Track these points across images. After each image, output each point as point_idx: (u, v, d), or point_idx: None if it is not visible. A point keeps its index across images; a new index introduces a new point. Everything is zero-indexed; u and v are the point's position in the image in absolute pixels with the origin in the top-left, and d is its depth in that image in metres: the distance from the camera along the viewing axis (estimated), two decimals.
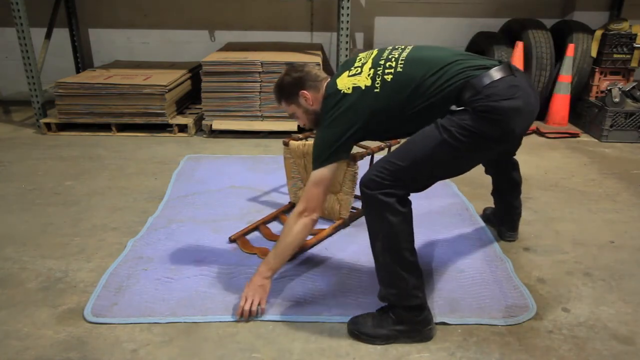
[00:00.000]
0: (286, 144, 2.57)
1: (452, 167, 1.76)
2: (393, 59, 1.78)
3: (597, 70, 4.28)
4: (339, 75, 1.84)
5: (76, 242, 2.40)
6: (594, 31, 4.32)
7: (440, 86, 1.69)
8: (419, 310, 1.73)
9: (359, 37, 5.00)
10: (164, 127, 4.09)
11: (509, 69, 1.71)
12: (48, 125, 4.04)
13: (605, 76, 4.30)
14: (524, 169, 2.40)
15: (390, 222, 1.66)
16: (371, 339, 1.74)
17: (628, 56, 4.20)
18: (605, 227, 2.60)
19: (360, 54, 1.90)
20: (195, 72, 4.44)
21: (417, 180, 1.72)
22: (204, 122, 4.01)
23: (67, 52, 4.92)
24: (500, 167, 2.30)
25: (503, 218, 2.45)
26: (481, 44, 4.57)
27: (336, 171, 1.83)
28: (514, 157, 2.27)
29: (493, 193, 2.43)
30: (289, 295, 1.97)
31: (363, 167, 2.53)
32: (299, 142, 2.55)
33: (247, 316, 1.82)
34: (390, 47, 1.87)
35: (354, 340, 1.75)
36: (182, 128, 4.07)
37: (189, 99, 4.53)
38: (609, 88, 4.13)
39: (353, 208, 2.61)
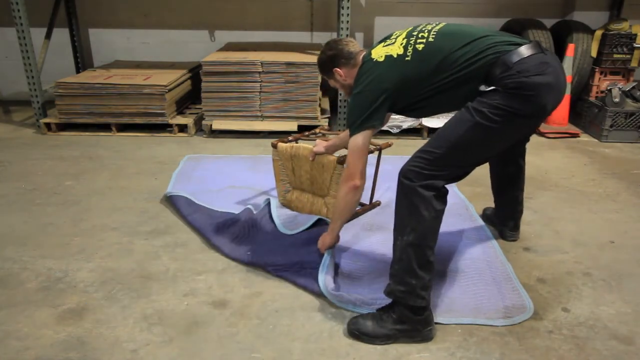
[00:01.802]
0: (274, 146, 2.57)
1: (487, 148, 1.78)
2: (426, 31, 1.84)
3: (597, 70, 4.28)
4: (375, 46, 1.93)
5: (76, 242, 2.40)
6: (594, 31, 4.32)
7: (469, 59, 1.72)
8: (422, 311, 1.73)
9: (359, 37, 4.99)
10: (164, 127, 4.09)
11: (539, 47, 1.73)
12: (48, 125, 4.04)
13: (605, 76, 4.30)
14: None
15: (423, 217, 1.68)
16: (371, 339, 1.74)
17: (628, 56, 4.20)
18: (605, 227, 2.60)
19: (396, 30, 1.97)
20: (195, 72, 4.44)
21: (455, 166, 1.74)
22: (204, 122, 4.01)
23: (67, 52, 4.92)
24: (508, 153, 2.25)
25: (505, 215, 2.42)
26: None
27: (370, 138, 1.87)
28: (527, 141, 2.28)
29: (495, 188, 2.39)
30: None
31: None
32: (287, 144, 2.55)
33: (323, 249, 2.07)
34: (425, 23, 1.93)
35: (354, 340, 1.75)
36: (182, 128, 4.07)
37: (189, 99, 4.53)
38: (609, 88, 4.13)
39: None
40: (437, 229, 1.73)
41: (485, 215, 2.62)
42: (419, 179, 1.69)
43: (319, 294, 1.97)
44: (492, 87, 1.68)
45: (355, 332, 1.76)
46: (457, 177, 1.79)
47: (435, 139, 1.75)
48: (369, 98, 1.81)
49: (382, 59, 1.83)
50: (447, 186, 1.75)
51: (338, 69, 2.01)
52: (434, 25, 1.87)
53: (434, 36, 1.80)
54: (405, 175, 1.71)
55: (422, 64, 1.78)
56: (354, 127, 1.84)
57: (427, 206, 1.68)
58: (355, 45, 2.03)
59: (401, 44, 1.84)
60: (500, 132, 1.70)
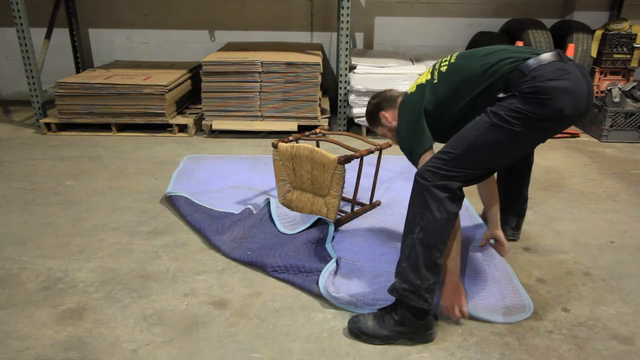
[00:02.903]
0: (275, 146, 2.57)
1: (503, 151, 1.76)
2: (449, 56, 1.96)
3: (597, 70, 4.28)
4: (412, 84, 2.03)
5: (76, 242, 2.40)
6: (594, 31, 4.32)
7: (489, 69, 1.77)
8: (424, 315, 1.73)
9: (359, 37, 5.00)
10: (164, 127, 4.10)
11: (559, 55, 1.75)
12: (48, 125, 4.04)
13: (605, 76, 4.31)
14: None
15: (435, 217, 1.68)
16: (371, 338, 1.74)
17: (628, 56, 4.20)
18: (605, 227, 2.60)
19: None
20: (195, 72, 4.45)
21: (471, 168, 1.73)
22: (204, 122, 4.01)
23: (67, 52, 4.92)
24: None
25: (508, 212, 2.40)
26: (481, 44, 4.57)
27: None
28: None
29: (501, 183, 2.37)
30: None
31: (351, 171, 2.52)
32: (288, 144, 2.55)
33: (457, 317, 1.83)
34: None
35: (354, 340, 1.75)
36: (182, 128, 4.07)
37: (189, 99, 4.53)
38: (609, 88, 4.13)
39: (341, 211, 2.61)
40: (448, 232, 1.73)
41: (486, 215, 2.61)
42: (434, 179, 1.70)
43: (318, 295, 1.97)
44: (509, 94, 1.71)
45: (356, 331, 1.76)
46: (472, 180, 1.79)
47: (453, 140, 1.77)
48: (413, 125, 1.90)
49: (414, 89, 1.96)
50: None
51: (384, 112, 2.12)
52: (457, 52, 1.98)
53: (455, 58, 1.92)
54: (421, 175, 1.72)
55: (449, 80, 1.86)
56: (414, 159, 1.89)
57: (439, 207, 1.68)
58: (395, 91, 2.18)
59: (429, 71, 1.97)
60: (517, 135, 1.70)
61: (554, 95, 1.65)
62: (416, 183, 1.73)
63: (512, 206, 2.41)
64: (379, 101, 2.15)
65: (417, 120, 1.88)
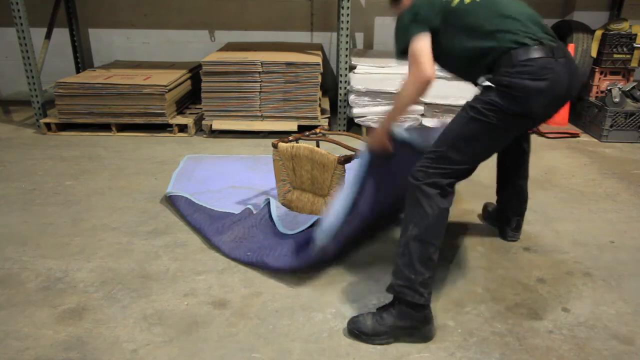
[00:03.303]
0: (275, 146, 2.57)
1: (484, 143, 1.84)
2: None
3: (597, 70, 4.28)
4: None
5: (76, 242, 2.40)
6: (594, 31, 4.31)
7: (494, 33, 1.78)
8: (421, 309, 1.76)
9: (359, 37, 4.99)
10: (164, 127, 4.09)
11: (552, 51, 1.76)
12: (48, 125, 4.04)
13: (605, 76, 4.30)
14: None
15: (427, 214, 1.75)
16: (370, 337, 1.76)
17: (628, 56, 4.20)
18: (605, 227, 2.60)
19: None
20: (195, 72, 4.44)
21: (457, 163, 1.80)
22: (204, 122, 4.01)
23: (67, 52, 4.92)
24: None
25: (510, 210, 2.40)
26: None
27: (428, 41, 1.83)
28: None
29: (501, 176, 2.38)
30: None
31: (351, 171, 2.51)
32: (288, 144, 2.55)
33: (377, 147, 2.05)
34: None
35: (354, 340, 1.75)
36: (182, 128, 4.07)
37: (189, 99, 4.52)
38: (609, 88, 4.12)
39: None
40: (441, 227, 1.79)
41: (487, 213, 2.61)
42: (424, 178, 1.77)
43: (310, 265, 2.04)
44: (487, 84, 1.76)
45: (355, 332, 1.78)
46: (461, 175, 1.84)
47: (437, 139, 1.84)
48: (416, 8, 1.85)
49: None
50: None
51: None
52: None
53: None
54: (413, 175, 1.80)
55: (464, 14, 1.84)
56: (408, 35, 1.83)
57: (430, 203, 1.75)
58: None
59: None
60: (493, 128, 1.77)
61: (529, 94, 1.72)
62: (409, 184, 1.80)
63: (512, 205, 2.41)
64: None
65: (428, 7, 1.84)
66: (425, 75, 1.79)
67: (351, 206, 2.08)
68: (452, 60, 1.93)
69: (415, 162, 1.85)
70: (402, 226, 1.81)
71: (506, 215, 2.43)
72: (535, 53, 1.74)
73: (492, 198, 2.88)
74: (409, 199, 1.81)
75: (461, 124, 1.81)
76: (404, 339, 1.76)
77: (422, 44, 1.81)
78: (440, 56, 1.89)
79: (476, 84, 1.86)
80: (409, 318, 1.75)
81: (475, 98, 1.80)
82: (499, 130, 1.80)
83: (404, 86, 1.87)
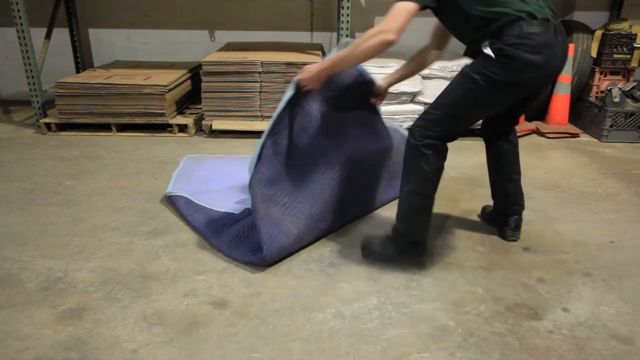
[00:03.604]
0: None
1: (478, 109, 2.04)
2: None
3: (597, 70, 4.28)
4: None
5: (76, 242, 2.40)
6: (594, 31, 4.31)
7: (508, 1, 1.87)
8: (420, 244, 2.16)
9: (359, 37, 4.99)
10: (164, 127, 4.09)
11: (553, 30, 1.89)
12: (48, 125, 4.04)
13: (605, 76, 4.30)
14: (524, 169, 2.41)
15: (424, 170, 2.02)
16: (373, 253, 2.22)
17: (628, 56, 4.20)
18: (605, 227, 2.60)
19: None
20: (195, 72, 4.44)
21: (451, 125, 2.02)
22: (204, 122, 4.01)
23: (67, 52, 4.92)
24: (497, 133, 2.34)
25: (507, 209, 2.41)
26: None
27: (414, 13, 1.91)
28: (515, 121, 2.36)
29: (493, 175, 2.41)
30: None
31: None
32: None
33: (301, 85, 2.19)
34: None
35: (354, 340, 1.75)
36: (182, 128, 4.07)
37: (189, 99, 4.52)
38: (609, 88, 4.12)
39: None
40: (437, 181, 2.08)
41: (485, 214, 2.62)
42: (422, 138, 2.00)
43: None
44: (488, 51, 1.88)
45: (365, 251, 2.24)
46: (455, 136, 2.06)
47: (435, 102, 2.04)
48: None
49: None
50: None
51: None
52: None
53: None
54: (412, 134, 2.03)
55: None
56: None
57: (427, 161, 2.01)
58: None
59: None
60: (488, 97, 1.95)
61: (526, 67, 1.86)
62: (408, 142, 2.04)
63: (507, 206, 2.41)
64: None
65: None
66: (391, 37, 1.87)
67: (267, 141, 2.26)
68: (464, 22, 1.99)
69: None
70: (402, 178, 2.10)
71: (503, 216, 2.44)
72: (540, 28, 1.85)
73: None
74: (407, 156, 2.06)
75: (458, 91, 1.98)
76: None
77: (409, 6, 1.89)
78: (452, 18, 2.05)
79: (476, 48, 1.95)
80: (408, 250, 2.16)
81: (474, 67, 1.93)
82: (493, 99, 1.97)
83: (366, 37, 1.92)
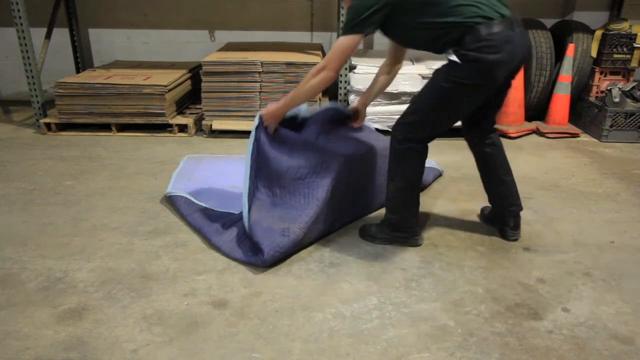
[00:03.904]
0: None
1: (452, 111, 2.14)
2: None
3: (597, 70, 4.28)
4: None
5: (76, 242, 2.40)
6: (594, 31, 4.31)
7: (457, 7, 1.94)
8: (412, 230, 2.32)
9: None
10: (164, 127, 4.09)
11: (511, 24, 1.97)
12: (48, 125, 4.04)
13: (605, 76, 4.30)
14: (524, 169, 2.41)
15: (407, 169, 2.20)
16: (373, 238, 2.37)
17: (628, 56, 4.20)
18: (605, 227, 2.60)
19: None
20: (195, 72, 4.44)
21: (429, 127, 2.16)
22: (204, 122, 4.01)
23: (67, 52, 4.92)
24: (480, 136, 2.36)
25: (504, 209, 2.41)
26: None
27: (357, 44, 2.08)
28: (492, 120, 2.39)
29: (485, 179, 2.44)
30: None
31: None
32: None
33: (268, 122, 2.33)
34: None
35: (354, 340, 1.75)
36: (182, 128, 4.07)
37: (189, 99, 4.52)
38: (609, 88, 4.12)
39: None
40: (421, 175, 2.25)
41: (484, 216, 2.62)
42: (404, 142, 2.15)
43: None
44: (454, 59, 1.96)
45: (363, 233, 2.40)
46: (435, 136, 2.20)
47: (412, 106, 2.18)
48: (367, 3, 1.98)
49: None
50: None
51: None
52: None
53: None
54: (394, 136, 2.18)
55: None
56: (348, 28, 2.04)
57: (410, 162, 2.19)
58: None
59: None
60: (460, 99, 2.06)
61: (492, 66, 1.95)
62: (391, 145, 2.19)
63: (504, 206, 2.42)
64: None
65: (376, 4, 1.98)
66: (331, 75, 2.09)
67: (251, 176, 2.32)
68: (418, 35, 2.07)
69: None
70: (388, 175, 2.25)
71: (501, 216, 2.45)
72: (498, 27, 1.92)
73: None
74: (392, 157, 2.21)
75: (432, 98, 2.09)
76: (397, 244, 2.33)
77: (350, 42, 2.04)
78: (406, 34, 2.12)
79: (441, 53, 2.07)
80: (403, 235, 2.33)
81: (443, 74, 2.03)
82: (467, 100, 2.08)
83: (309, 76, 2.12)
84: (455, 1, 1.94)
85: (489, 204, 2.55)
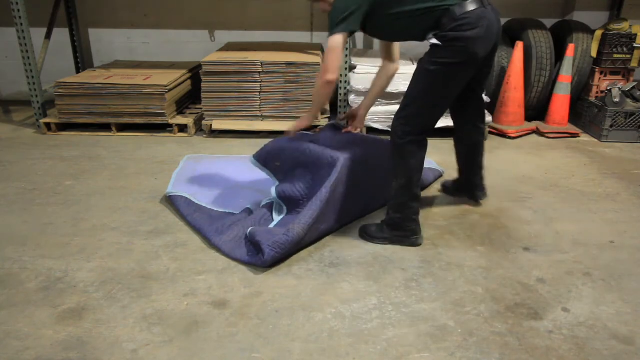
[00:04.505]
0: None
1: (443, 94, 2.22)
2: None
3: (597, 70, 4.28)
4: None
5: (76, 242, 2.40)
6: (594, 31, 4.31)
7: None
8: (412, 229, 2.34)
9: (359, 37, 4.99)
10: (164, 127, 4.09)
11: (481, 2, 2.11)
12: (48, 125, 4.04)
13: (605, 76, 4.30)
14: (524, 169, 2.41)
15: (410, 164, 2.24)
16: (372, 238, 2.38)
17: (628, 56, 4.20)
18: (605, 227, 2.60)
19: None
20: (195, 72, 4.44)
21: (424, 116, 2.24)
22: (204, 122, 4.01)
23: (67, 52, 4.92)
24: (468, 122, 2.59)
25: (474, 181, 2.72)
26: None
27: (346, 41, 2.20)
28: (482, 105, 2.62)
29: (463, 158, 2.70)
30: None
31: None
32: None
33: (294, 131, 2.52)
34: None
35: (354, 340, 1.75)
36: (182, 128, 4.07)
37: (189, 99, 4.52)
38: (609, 88, 4.12)
39: None
40: (421, 170, 2.31)
41: (448, 188, 2.90)
42: (404, 135, 2.21)
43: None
44: (434, 42, 2.10)
45: (363, 233, 2.41)
46: (430, 125, 2.29)
47: (405, 99, 2.25)
48: (348, 3, 2.13)
49: None
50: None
51: None
52: None
53: None
54: (394, 132, 2.24)
55: None
56: (334, 28, 2.15)
57: (412, 156, 2.24)
58: None
59: None
60: (447, 79, 2.16)
61: (470, 43, 2.08)
62: (392, 141, 2.25)
63: (475, 177, 2.72)
64: None
65: (356, 2, 2.12)
66: (333, 77, 2.21)
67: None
68: (397, 26, 2.20)
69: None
70: (391, 172, 2.30)
71: (472, 182, 2.74)
72: (471, 6, 2.07)
73: (492, 196, 2.89)
74: (394, 156, 2.26)
75: (422, 84, 2.19)
76: (397, 244, 2.34)
77: (339, 41, 2.15)
78: (385, 26, 2.22)
79: (423, 40, 2.20)
80: (402, 235, 2.34)
81: (428, 59, 2.15)
82: (453, 79, 2.17)
83: (316, 84, 2.37)
84: None
85: (445, 180, 2.89)
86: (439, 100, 2.24)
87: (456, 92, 2.27)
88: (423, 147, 2.27)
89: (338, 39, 2.15)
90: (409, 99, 2.24)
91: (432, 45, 2.13)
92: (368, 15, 2.17)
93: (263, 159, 2.55)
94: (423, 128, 2.24)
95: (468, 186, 2.79)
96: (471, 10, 2.06)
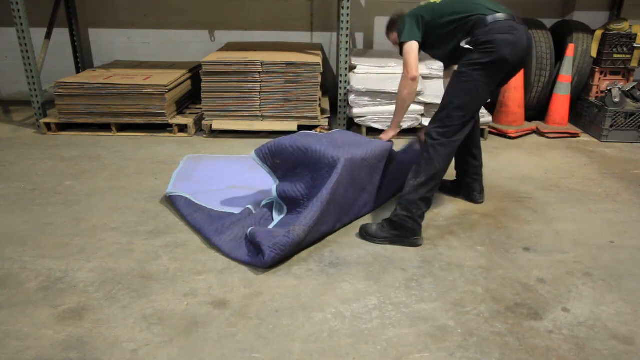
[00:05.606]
0: None
1: (477, 96, 2.36)
2: None
3: (597, 70, 4.28)
4: None
5: (76, 242, 2.40)
6: (594, 31, 4.31)
7: (463, 14, 2.38)
8: (416, 230, 2.36)
9: (359, 37, 4.99)
10: (164, 127, 4.09)
11: (513, 17, 2.35)
12: (48, 125, 4.04)
13: (605, 76, 4.30)
14: (524, 169, 2.41)
15: (436, 167, 2.34)
16: (372, 238, 2.39)
17: (628, 56, 4.20)
18: (605, 227, 2.60)
19: None
20: (195, 72, 4.44)
21: (460, 117, 2.33)
22: (204, 122, 4.01)
23: (67, 52, 4.92)
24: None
25: (472, 179, 2.80)
26: None
27: (417, 47, 2.50)
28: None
29: (459, 154, 2.73)
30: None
31: None
32: None
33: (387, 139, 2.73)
34: None
35: (354, 340, 1.75)
36: (182, 128, 4.07)
37: (189, 99, 4.52)
38: (609, 88, 4.12)
39: None
40: (442, 176, 2.39)
41: (446, 187, 2.91)
42: (439, 137, 2.35)
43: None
44: (467, 46, 2.31)
45: (363, 233, 2.42)
46: (466, 125, 2.38)
47: (441, 104, 2.40)
48: (412, 19, 2.49)
49: (424, 3, 2.57)
50: None
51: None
52: None
53: None
54: (429, 135, 2.38)
55: (445, 7, 2.45)
56: (403, 38, 2.49)
57: (440, 159, 2.34)
58: None
59: None
60: (479, 81, 2.30)
61: (499, 45, 2.26)
62: (426, 142, 2.37)
63: (473, 175, 2.80)
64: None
65: (417, 19, 2.48)
66: (414, 74, 2.48)
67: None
68: (444, 35, 2.45)
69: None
70: (413, 170, 2.37)
71: (469, 183, 2.81)
72: (501, 17, 2.31)
73: (492, 196, 2.89)
74: (426, 153, 2.35)
75: (456, 86, 2.35)
76: (397, 244, 2.36)
77: (412, 45, 2.48)
78: (435, 37, 2.47)
79: (459, 52, 2.37)
80: (404, 235, 2.36)
81: (461, 64, 2.35)
82: (484, 81, 2.31)
83: (399, 87, 2.56)
84: (467, 6, 2.39)
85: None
86: (469, 101, 2.35)
87: (484, 95, 2.39)
88: (451, 153, 2.37)
89: (410, 44, 2.47)
90: (442, 103, 2.39)
91: (465, 50, 2.32)
92: (428, 30, 2.48)
93: (264, 155, 2.55)
94: (454, 132, 2.35)
95: (466, 189, 2.85)
96: (502, 20, 2.30)
